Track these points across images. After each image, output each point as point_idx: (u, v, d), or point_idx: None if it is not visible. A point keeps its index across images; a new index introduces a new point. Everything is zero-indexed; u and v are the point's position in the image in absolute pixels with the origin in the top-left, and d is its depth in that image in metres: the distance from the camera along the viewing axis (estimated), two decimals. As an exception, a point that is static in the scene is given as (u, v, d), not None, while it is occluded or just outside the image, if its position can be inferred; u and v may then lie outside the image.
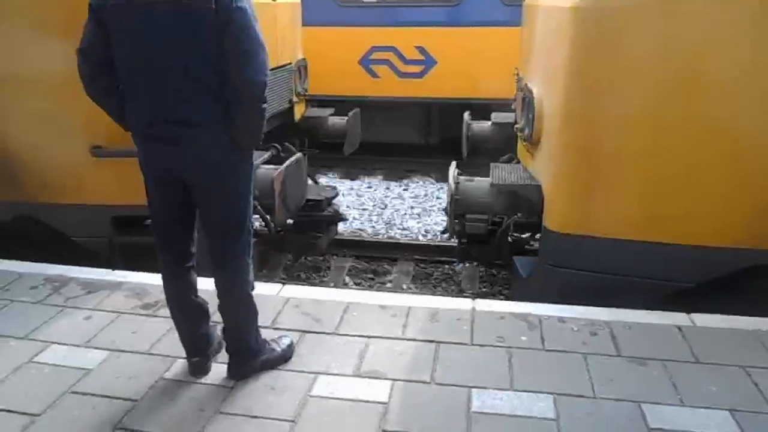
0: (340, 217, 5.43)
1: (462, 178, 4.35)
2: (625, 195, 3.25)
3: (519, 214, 4.21)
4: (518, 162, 4.62)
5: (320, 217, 5.16)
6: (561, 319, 3.07)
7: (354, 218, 6.83)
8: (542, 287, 3.67)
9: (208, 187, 2.39)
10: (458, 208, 4.24)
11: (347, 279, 5.69)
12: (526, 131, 3.96)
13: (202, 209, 2.47)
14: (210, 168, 2.33)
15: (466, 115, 5.66)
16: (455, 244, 4.97)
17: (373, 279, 5.69)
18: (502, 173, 4.25)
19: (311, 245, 5.49)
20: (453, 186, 4.11)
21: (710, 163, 3.06)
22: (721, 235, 3.15)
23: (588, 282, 3.36)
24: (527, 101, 3.95)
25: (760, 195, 3.05)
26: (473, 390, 2.55)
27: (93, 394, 2.56)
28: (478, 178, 4.34)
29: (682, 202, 3.15)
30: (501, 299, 4.39)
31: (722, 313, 3.12)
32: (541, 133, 3.75)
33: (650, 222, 3.22)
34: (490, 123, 5.56)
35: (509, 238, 4.48)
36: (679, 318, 3.06)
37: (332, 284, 5.52)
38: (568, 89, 3.35)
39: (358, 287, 5.44)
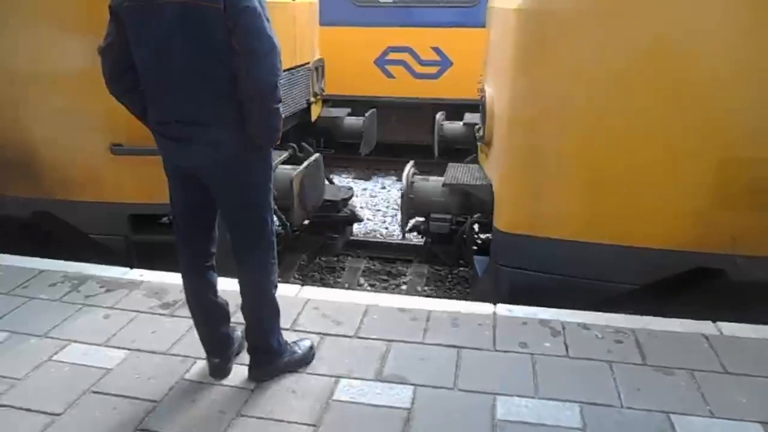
0: (356, 218, 5.40)
1: (417, 177, 4.41)
2: (569, 196, 3.28)
3: (478, 214, 4.23)
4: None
5: (336, 217, 5.14)
6: (584, 326, 3.02)
7: (368, 219, 6.80)
8: (494, 287, 3.71)
9: (225, 187, 2.37)
10: (411, 207, 4.31)
11: (362, 280, 5.67)
12: (480, 132, 4.01)
13: (222, 209, 2.46)
14: (225, 167, 2.31)
15: (439, 115, 5.64)
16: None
17: (387, 281, 5.66)
18: (456, 173, 4.32)
19: (326, 246, 5.48)
20: (406, 185, 4.16)
21: (651, 165, 3.07)
22: (664, 236, 3.16)
23: (536, 282, 3.39)
24: (481, 102, 3.99)
25: (701, 197, 3.06)
26: (498, 397, 2.51)
27: (113, 395, 2.54)
28: (434, 178, 4.41)
29: (624, 203, 3.16)
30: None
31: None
32: (492, 134, 3.79)
33: (594, 223, 3.24)
34: (461, 123, 5.58)
35: (475, 237, 4.49)
36: (706, 327, 3.01)
37: (346, 285, 5.50)
38: (512, 90, 3.39)
39: (373, 288, 5.42)
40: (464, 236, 4.35)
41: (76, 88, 3.71)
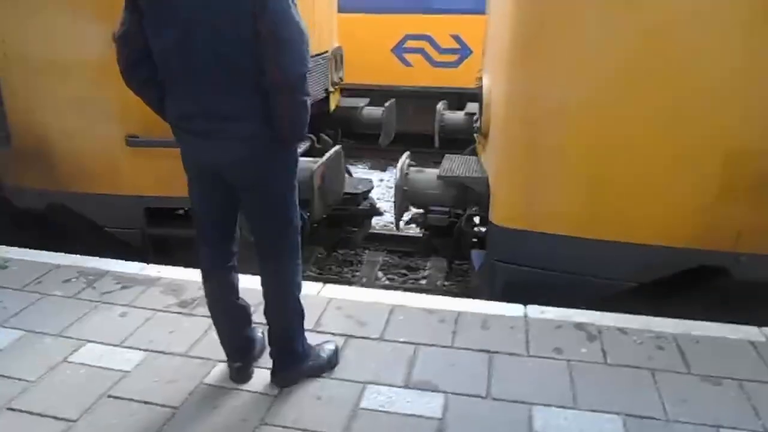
0: (376, 212, 5.27)
1: (412, 168, 4.30)
2: (567, 190, 3.15)
3: (475, 208, 4.10)
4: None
5: (356, 210, 5.00)
6: (622, 330, 2.88)
7: (385, 211, 6.65)
8: (489, 282, 3.60)
9: (248, 184, 2.23)
10: (406, 199, 4.19)
11: (380, 274, 5.56)
12: (477, 123, 3.87)
13: (244, 207, 2.32)
14: (248, 163, 2.17)
15: (440, 104, 5.48)
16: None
17: (406, 275, 5.54)
18: (452, 165, 4.19)
19: (345, 239, 5.35)
20: (399, 176, 4.05)
21: (653, 159, 2.95)
22: (665, 233, 3.04)
23: (532, 278, 3.28)
24: (479, 92, 3.86)
25: (704, 192, 2.93)
26: (534, 407, 2.37)
27: (131, 399, 2.43)
28: (430, 170, 4.28)
29: (624, 198, 3.05)
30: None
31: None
32: (489, 125, 3.65)
33: (593, 218, 3.13)
34: (463, 113, 5.41)
35: (475, 231, 4.35)
36: (752, 332, 2.85)
37: (364, 279, 5.39)
38: (510, 81, 3.26)
39: (391, 282, 5.30)
40: (462, 229, 4.23)
41: (91, 77, 3.61)
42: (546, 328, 2.91)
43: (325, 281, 5.14)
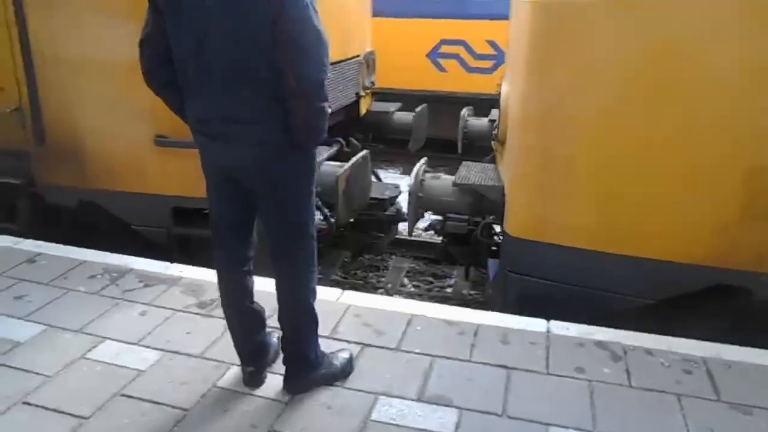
0: (402, 217, 5.21)
1: (428, 175, 4.24)
2: (581, 201, 3.08)
3: (492, 217, 4.02)
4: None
5: (382, 216, 4.96)
6: (649, 351, 2.76)
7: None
8: (502, 293, 3.54)
9: (264, 189, 2.21)
10: (421, 206, 4.15)
11: (405, 281, 5.50)
12: (496, 130, 3.81)
13: (260, 212, 2.30)
14: (264, 168, 2.15)
15: (465, 110, 5.38)
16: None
17: (432, 282, 5.47)
18: (469, 172, 4.14)
19: (371, 244, 5.32)
20: (414, 182, 4.00)
21: (671, 172, 2.84)
22: (682, 250, 2.92)
23: (545, 291, 3.21)
24: (498, 99, 3.80)
25: (725, 209, 2.80)
26: (551, 428, 2.28)
27: (143, 399, 2.44)
28: (445, 177, 4.22)
29: (640, 212, 2.95)
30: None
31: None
32: (506, 133, 3.57)
33: (607, 232, 3.04)
34: (487, 119, 5.32)
35: (494, 239, 4.27)
36: (788, 359, 2.70)
37: (389, 285, 5.34)
38: (525, 88, 3.21)
39: (417, 289, 5.24)
40: (479, 238, 4.15)
41: (122, 77, 3.65)
42: (568, 345, 2.81)
43: (350, 286, 5.18)
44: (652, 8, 2.73)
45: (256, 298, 2.48)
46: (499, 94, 3.84)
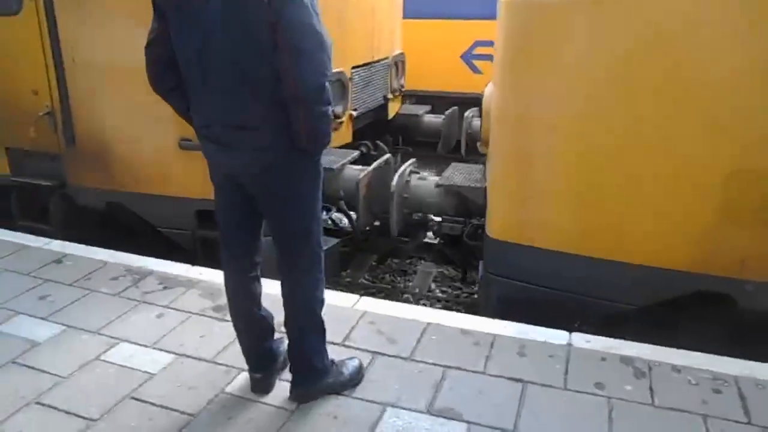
0: (428, 222, 5.12)
1: (414, 176, 4.17)
2: (559, 204, 3.01)
3: (477, 218, 3.95)
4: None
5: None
6: (675, 368, 2.61)
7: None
8: (484, 295, 3.50)
9: (267, 195, 2.17)
10: (406, 207, 4.10)
11: (432, 286, 5.41)
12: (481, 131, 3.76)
13: (266, 218, 2.27)
14: (271, 175, 2.11)
15: (470, 111, 5.23)
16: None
17: (460, 288, 5.36)
18: (454, 173, 4.08)
19: (397, 248, 5.26)
20: (397, 183, 3.97)
21: (650, 175, 2.75)
22: (662, 255, 2.83)
23: (526, 294, 3.16)
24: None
25: (705, 213, 2.70)
26: (564, 447, 2.18)
27: (152, 403, 2.44)
28: (432, 177, 4.18)
29: (619, 215, 2.86)
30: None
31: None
32: (488, 133, 3.47)
33: (586, 235, 2.97)
34: None
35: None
36: (828, 381, 2.51)
37: (417, 290, 5.25)
38: (502, 88, 3.15)
39: (444, 295, 5.14)
40: (465, 240, 4.09)
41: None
42: (589, 359, 2.68)
43: (377, 290, 5.13)
44: (628, 3, 2.63)
45: (266, 302, 2.45)
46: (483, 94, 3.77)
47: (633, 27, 2.64)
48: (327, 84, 2.00)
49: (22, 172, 4.43)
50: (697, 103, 2.60)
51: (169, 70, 2.13)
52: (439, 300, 5.04)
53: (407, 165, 4.18)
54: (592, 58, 2.76)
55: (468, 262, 4.63)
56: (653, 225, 2.81)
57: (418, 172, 4.29)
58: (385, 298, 5.01)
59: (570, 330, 2.90)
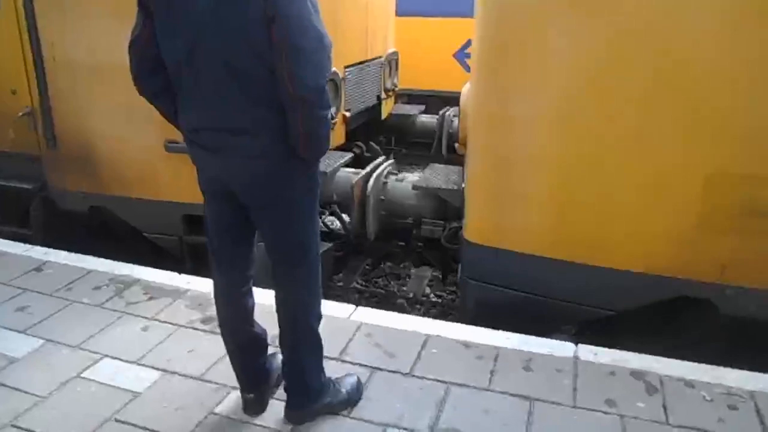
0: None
1: (392, 177, 4.05)
2: (536, 207, 2.94)
3: (456, 221, 3.83)
4: None
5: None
6: (689, 383, 2.49)
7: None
8: (461, 299, 3.40)
9: (261, 204, 2.02)
10: (383, 209, 3.99)
11: (427, 290, 5.28)
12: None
13: (260, 229, 2.12)
14: (262, 182, 1.96)
15: (450, 110, 5.11)
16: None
17: (455, 293, 5.23)
18: (432, 174, 3.97)
19: (392, 253, 5.12)
20: (374, 185, 3.84)
21: (628, 178, 2.68)
22: (642, 259, 2.76)
23: (503, 299, 3.08)
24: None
25: (685, 217, 2.63)
26: (576, 472, 2.05)
27: (136, 426, 2.28)
28: (411, 178, 4.07)
29: (597, 219, 2.79)
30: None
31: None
32: (466, 133, 3.38)
33: (563, 239, 2.89)
34: None
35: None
36: None
37: (411, 294, 5.12)
38: (478, 87, 3.06)
39: (440, 300, 5.01)
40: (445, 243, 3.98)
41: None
42: (598, 373, 2.57)
43: (370, 295, 4.99)
44: (605, 7, 2.55)
45: (258, 312, 2.30)
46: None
47: (611, 27, 2.55)
48: (326, 86, 1.86)
49: (1, 174, 4.24)
50: (676, 105, 2.52)
51: (155, 71, 1.98)
52: (434, 305, 4.92)
53: (385, 166, 4.03)
54: (569, 58, 2.67)
55: (447, 265, 4.51)
56: (633, 229, 2.74)
57: (396, 174, 4.15)
58: (378, 303, 4.90)
59: (575, 342, 2.78)
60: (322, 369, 2.30)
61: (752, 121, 2.44)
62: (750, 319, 2.65)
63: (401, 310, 4.73)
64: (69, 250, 3.82)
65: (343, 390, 2.36)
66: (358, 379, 2.46)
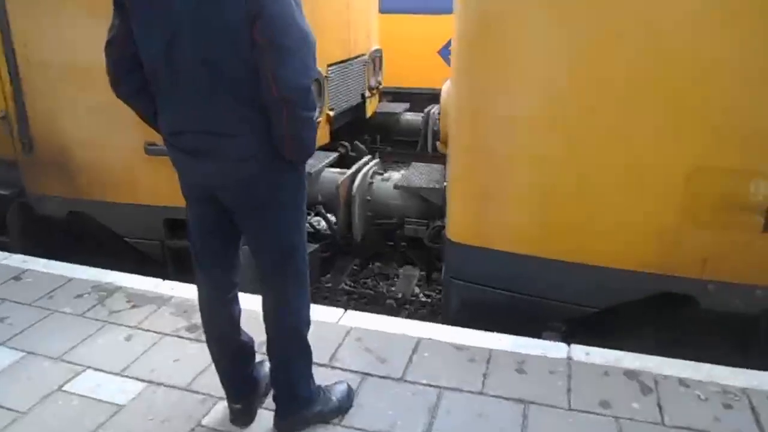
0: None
1: (377, 177, 4.02)
2: (517, 204, 2.90)
3: (440, 221, 3.80)
4: None
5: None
6: (683, 381, 2.47)
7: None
8: (444, 299, 3.39)
9: (247, 209, 1.96)
10: (369, 210, 3.95)
11: (417, 290, 5.24)
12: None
13: (245, 234, 2.05)
14: (245, 186, 1.90)
15: (435, 108, 5.08)
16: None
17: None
18: (414, 173, 3.95)
19: (380, 253, 5.07)
20: (359, 185, 3.81)
21: (608, 173, 2.65)
22: (623, 256, 2.73)
23: (486, 298, 3.05)
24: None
25: (666, 212, 2.61)
26: (573, 476, 2.02)
27: (120, 440, 2.22)
28: (395, 178, 4.03)
29: (577, 215, 2.76)
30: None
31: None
32: (447, 131, 3.35)
33: (544, 236, 2.86)
34: None
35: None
36: (843, 392, 2.40)
37: (400, 294, 5.07)
38: (458, 84, 3.02)
39: (429, 300, 4.98)
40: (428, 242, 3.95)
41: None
42: (592, 374, 2.54)
43: (359, 296, 4.94)
44: (585, 1, 2.52)
45: (246, 318, 2.23)
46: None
47: (590, 21, 2.52)
48: (311, 86, 1.80)
49: (-24, 180, 4.12)
50: (656, 99, 2.49)
51: (132, 72, 1.90)
52: (423, 305, 4.88)
53: (370, 166, 3.98)
54: (549, 55, 2.63)
55: (431, 265, 4.47)
56: (613, 225, 2.72)
57: (382, 173, 4.09)
58: (367, 304, 4.85)
59: (568, 342, 2.75)
60: (311, 376, 2.24)
61: (732, 115, 2.42)
62: (733, 314, 2.64)
63: (390, 310, 4.69)
64: (48, 256, 3.72)
65: (334, 398, 2.31)
66: (349, 386, 2.41)
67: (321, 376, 2.39)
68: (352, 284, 5.24)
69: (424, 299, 5.05)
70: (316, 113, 1.90)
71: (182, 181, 2.05)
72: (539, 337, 2.88)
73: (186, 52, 1.75)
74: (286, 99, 1.75)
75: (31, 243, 4.08)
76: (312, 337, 2.21)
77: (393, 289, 5.24)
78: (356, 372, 2.57)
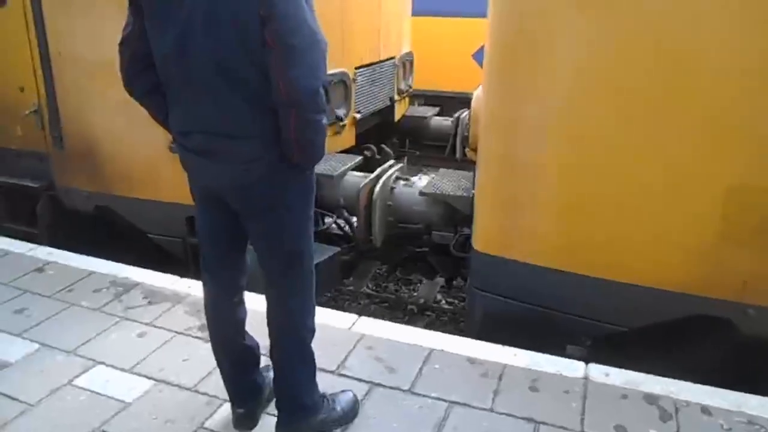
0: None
1: (400, 182, 3.89)
2: (546, 216, 2.80)
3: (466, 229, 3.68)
4: None
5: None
6: (705, 409, 2.34)
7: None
8: (468, 310, 3.31)
9: (254, 212, 1.93)
10: (390, 215, 3.84)
11: (439, 297, 5.16)
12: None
13: (251, 237, 2.02)
14: (255, 189, 1.87)
15: (465, 114, 4.93)
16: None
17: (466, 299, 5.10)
18: (441, 180, 3.81)
19: (406, 258, 5.01)
20: (381, 190, 3.71)
21: (645, 188, 2.53)
22: (657, 274, 2.61)
23: (511, 312, 2.96)
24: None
25: (705, 231, 2.47)
26: (581, 505, 1.93)
27: (123, 438, 2.21)
28: (419, 184, 3.92)
29: (610, 230, 2.65)
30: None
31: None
32: (477, 138, 3.24)
33: (574, 250, 2.75)
34: None
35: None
36: None
37: (422, 300, 5.01)
38: (489, 91, 2.95)
39: (451, 307, 4.89)
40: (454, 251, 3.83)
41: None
42: (609, 396, 2.43)
43: (380, 300, 4.88)
44: (620, 8, 2.41)
45: (252, 319, 2.20)
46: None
47: (627, 29, 2.41)
48: (321, 89, 1.75)
49: (10, 172, 4.22)
50: (696, 113, 2.37)
51: (145, 71, 1.89)
52: (444, 312, 4.80)
53: (393, 170, 3.91)
54: (581, 62, 2.54)
55: (458, 273, 4.37)
56: (648, 241, 2.59)
57: (406, 179, 4.03)
58: (388, 308, 4.80)
59: (586, 361, 2.64)
60: (315, 384, 2.19)
61: None
62: None
63: (411, 316, 4.62)
64: (75, 250, 3.78)
65: (338, 407, 2.26)
66: (355, 395, 2.35)
67: (328, 384, 2.35)
68: (375, 289, 5.19)
69: (446, 306, 4.97)
70: (326, 117, 1.85)
71: (191, 181, 2.04)
72: (563, 352, 2.78)
73: (197, 51, 1.73)
74: (293, 101, 1.72)
75: (59, 236, 4.16)
76: (322, 342, 2.18)
77: (415, 294, 5.18)
78: (364, 381, 2.52)
